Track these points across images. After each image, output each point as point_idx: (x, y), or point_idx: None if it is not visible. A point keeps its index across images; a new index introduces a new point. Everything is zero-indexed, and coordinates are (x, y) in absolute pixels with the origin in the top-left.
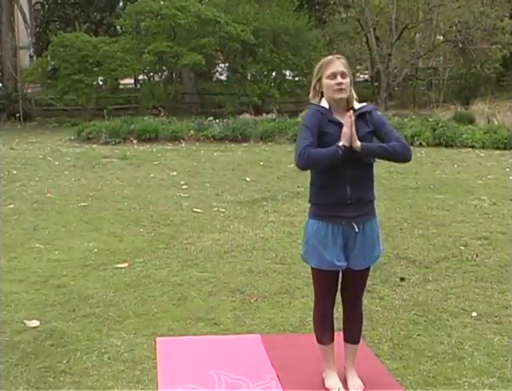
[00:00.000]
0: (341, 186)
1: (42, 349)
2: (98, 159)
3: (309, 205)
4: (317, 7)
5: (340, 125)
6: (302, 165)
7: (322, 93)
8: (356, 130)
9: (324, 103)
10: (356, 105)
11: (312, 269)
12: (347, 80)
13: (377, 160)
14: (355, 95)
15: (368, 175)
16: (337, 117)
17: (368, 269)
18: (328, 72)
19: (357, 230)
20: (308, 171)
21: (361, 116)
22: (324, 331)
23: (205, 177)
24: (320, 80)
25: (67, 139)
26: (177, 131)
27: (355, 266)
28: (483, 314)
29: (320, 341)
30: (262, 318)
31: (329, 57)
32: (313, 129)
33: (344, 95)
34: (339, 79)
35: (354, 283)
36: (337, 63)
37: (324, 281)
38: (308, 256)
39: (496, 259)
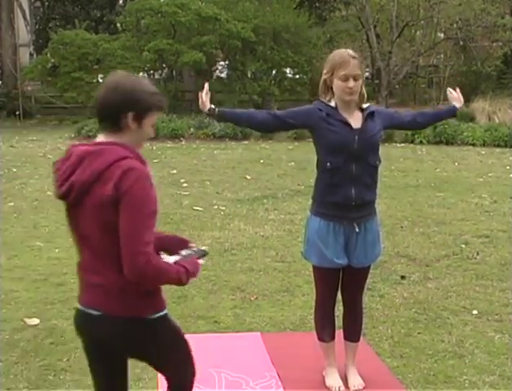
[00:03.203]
0: (346, 186)
1: (42, 348)
2: None
3: (311, 201)
4: (317, 5)
5: (347, 125)
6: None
7: (332, 88)
8: (368, 129)
9: (332, 102)
10: (363, 104)
11: (313, 267)
12: (359, 82)
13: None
14: (365, 93)
15: (373, 177)
16: (345, 116)
17: (368, 267)
18: (341, 73)
19: (357, 230)
20: (309, 169)
21: (370, 116)
22: (324, 329)
23: (205, 175)
24: (331, 76)
25: (67, 137)
26: (177, 129)
27: (356, 264)
28: (484, 312)
29: (320, 339)
30: (263, 316)
31: (344, 54)
32: (292, 114)
33: (354, 97)
34: (351, 83)
35: (354, 280)
36: (352, 65)
37: (325, 279)
38: (309, 253)
39: (497, 257)
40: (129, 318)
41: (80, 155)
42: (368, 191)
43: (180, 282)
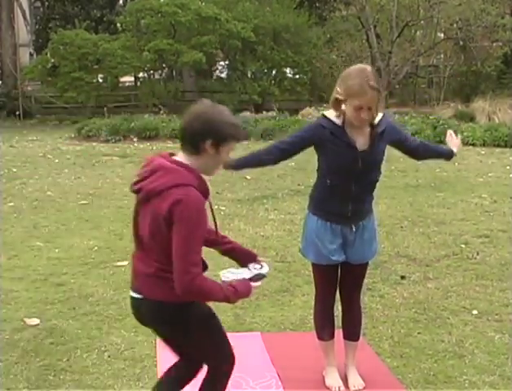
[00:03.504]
0: (343, 201)
1: (42, 347)
2: (98, 157)
3: (309, 199)
4: (317, 5)
5: (353, 148)
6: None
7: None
8: (375, 151)
9: (339, 119)
10: (375, 119)
11: (312, 264)
12: (373, 110)
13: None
14: (378, 111)
15: (372, 191)
16: (352, 134)
17: (366, 264)
18: (356, 102)
19: (354, 229)
20: (309, 169)
21: (380, 135)
22: (324, 328)
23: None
24: (344, 100)
25: (67, 137)
26: (177, 129)
27: (353, 261)
28: (484, 312)
29: (320, 337)
30: (263, 316)
31: (363, 82)
32: (297, 140)
33: (364, 124)
34: (364, 113)
35: (352, 278)
36: (369, 97)
37: (324, 276)
38: (307, 251)
39: (497, 257)
40: (164, 302)
41: (155, 166)
42: (365, 205)
43: (227, 300)
